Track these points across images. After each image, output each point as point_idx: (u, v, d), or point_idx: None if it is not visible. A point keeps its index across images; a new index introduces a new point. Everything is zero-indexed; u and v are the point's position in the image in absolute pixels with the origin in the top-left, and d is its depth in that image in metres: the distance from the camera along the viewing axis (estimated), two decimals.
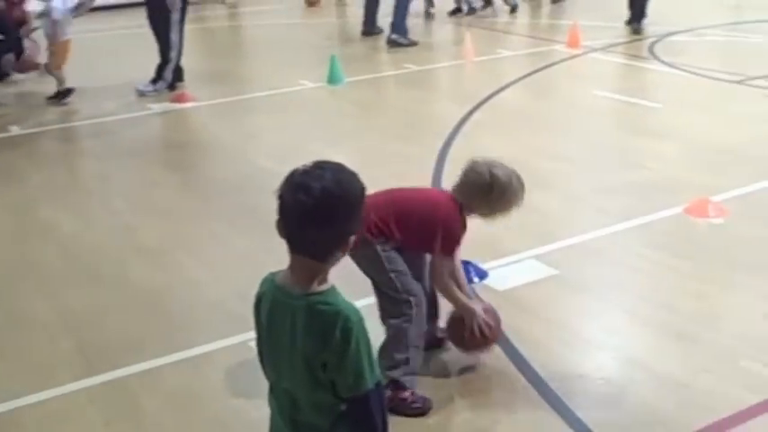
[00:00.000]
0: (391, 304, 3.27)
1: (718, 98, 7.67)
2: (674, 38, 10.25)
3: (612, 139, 6.72)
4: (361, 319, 1.98)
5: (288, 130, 7.12)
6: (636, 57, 9.42)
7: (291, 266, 2.04)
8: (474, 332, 3.36)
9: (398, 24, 10.33)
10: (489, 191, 3.25)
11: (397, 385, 3.21)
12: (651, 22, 10.57)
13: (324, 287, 2.00)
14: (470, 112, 7.26)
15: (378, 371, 2.02)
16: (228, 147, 6.79)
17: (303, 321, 1.97)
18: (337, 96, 8.33)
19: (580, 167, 5.92)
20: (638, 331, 3.82)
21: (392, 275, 3.24)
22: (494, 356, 3.55)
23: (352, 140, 6.79)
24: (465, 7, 12.50)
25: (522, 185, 3.31)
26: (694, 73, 8.44)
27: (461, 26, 11.71)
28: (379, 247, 3.23)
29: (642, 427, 3.12)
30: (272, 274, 2.10)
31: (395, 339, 3.24)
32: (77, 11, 8.34)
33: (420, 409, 3.23)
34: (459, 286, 3.40)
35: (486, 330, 3.37)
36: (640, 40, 10.07)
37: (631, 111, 7.39)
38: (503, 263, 4.34)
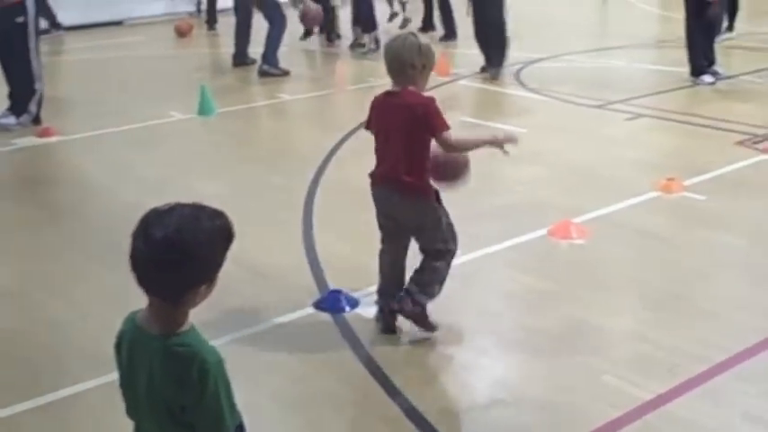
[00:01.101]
0: (436, 253, 3.83)
1: (580, 122, 7.95)
2: (539, 64, 10.58)
3: (479, 164, 6.86)
4: (219, 361, 1.95)
5: (157, 163, 7.00)
6: (502, 83, 9.69)
7: (149, 306, 2.00)
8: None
9: (269, 55, 10.33)
10: (419, 47, 3.76)
11: (423, 308, 3.87)
12: (516, 49, 10.86)
13: (182, 328, 1.97)
14: (342, 141, 7.31)
15: (238, 412, 1.99)
16: (96, 181, 6.62)
17: (160, 363, 1.93)
18: (209, 128, 8.25)
19: (449, 193, 6.02)
20: (505, 353, 3.93)
21: (444, 227, 3.83)
22: (364, 383, 3.59)
23: (225, 172, 6.73)
24: (373, 46, 11.92)
25: None
26: (558, 98, 8.74)
27: (335, 56, 11.79)
28: (438, 206, 3.82)
29: None
30: (134, 313, 2.06)
31: (435, 275, 3.84)
32: None
33: (433, 323, 3.93)
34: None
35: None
36: (506, 66, 10.34)
37: None
38: (374, 290, 4.37)
